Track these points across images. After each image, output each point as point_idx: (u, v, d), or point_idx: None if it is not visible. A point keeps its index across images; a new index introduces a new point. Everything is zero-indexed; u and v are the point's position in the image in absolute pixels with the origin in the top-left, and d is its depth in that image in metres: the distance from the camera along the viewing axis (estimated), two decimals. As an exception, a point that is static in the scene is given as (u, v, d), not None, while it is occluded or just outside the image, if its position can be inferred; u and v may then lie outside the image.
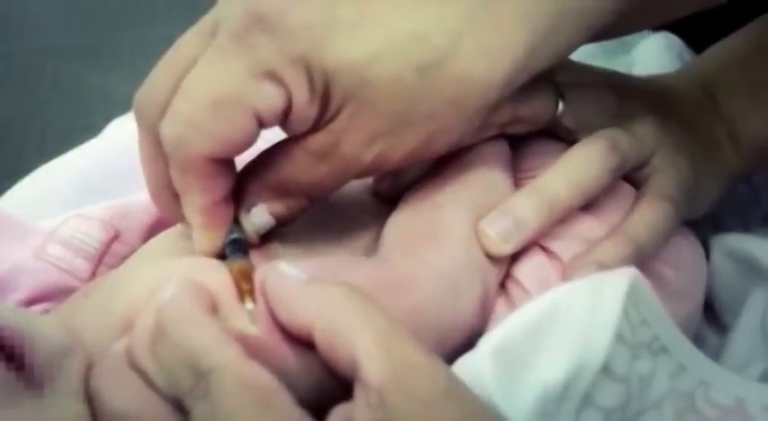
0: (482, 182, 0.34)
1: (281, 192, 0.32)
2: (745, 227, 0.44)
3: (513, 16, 0.29)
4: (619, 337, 0.27)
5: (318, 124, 0.30)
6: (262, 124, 0.29)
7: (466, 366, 0.27)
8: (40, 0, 0.96)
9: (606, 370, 0.27)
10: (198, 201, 0.30)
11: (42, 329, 0.27)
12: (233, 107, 0.28)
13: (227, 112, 0.28)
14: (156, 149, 0.31)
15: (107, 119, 0.55)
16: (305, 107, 0.29)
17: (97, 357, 0.27)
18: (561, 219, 0.33)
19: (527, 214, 0.32)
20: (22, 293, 0.34)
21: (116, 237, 0.37)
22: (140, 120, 0.31)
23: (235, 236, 0.31)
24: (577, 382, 0.27)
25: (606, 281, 0.29)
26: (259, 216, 0.32)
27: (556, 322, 0.27)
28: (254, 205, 0.32)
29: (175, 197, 0.31)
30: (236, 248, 0.31)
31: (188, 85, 0.29)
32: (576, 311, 0.27)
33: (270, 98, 0.29)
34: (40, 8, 0.94)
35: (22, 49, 0.88)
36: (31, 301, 0.34)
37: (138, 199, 0.38)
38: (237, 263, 0.30)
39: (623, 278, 0.28)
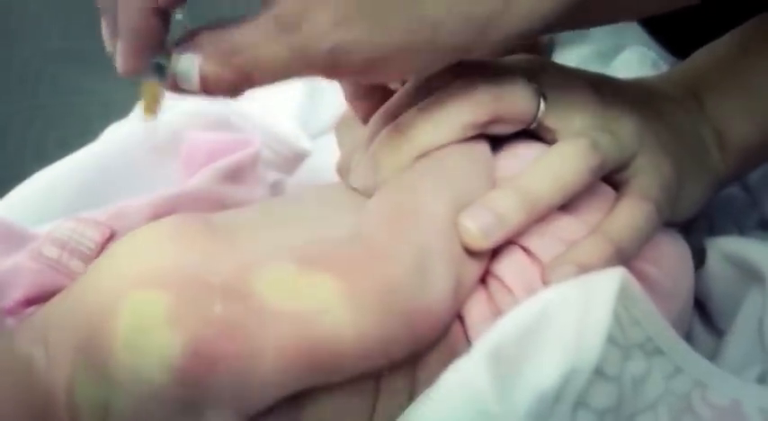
0: (463, 178, 0.34)
1: (226, 54, 0.30)
2: (741, 230, 0.44)
3: None
4: (610, 338, 0.27)
5: None
6: None
7: (460, 370, 0.27)
8: (39, 4, 0.96)
9: (599, 371, 0.27)
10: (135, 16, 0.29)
11: None
12: None
13: None
14: None
15: (105, 124, 0.55)
16: None
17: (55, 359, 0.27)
18: (541, 218, 0.33)
19: (509, 210, 0.32)
20: (18, 294, 0.34)
21: (111, 237, 0.37)
22: None
23: (159, 60, 0.30)
24: (571, 385, 0.27)
25: (596, 282, 0.29)
26: (186, 64, 0.30)
27: (548, 325, 0.27)
28: (189, 51, 0.30)
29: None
30: (158, 72, 0.30)
31: None
32: (567, 314, 0.28)
33: None
34: (38, 12, 0.95)
35: (21, 54, 0.88)
36: (27, 302, 0.34)
37: (134, 201, 0.38)
38: (153, 83, 0.29)
39: (613, 279, 0.28)
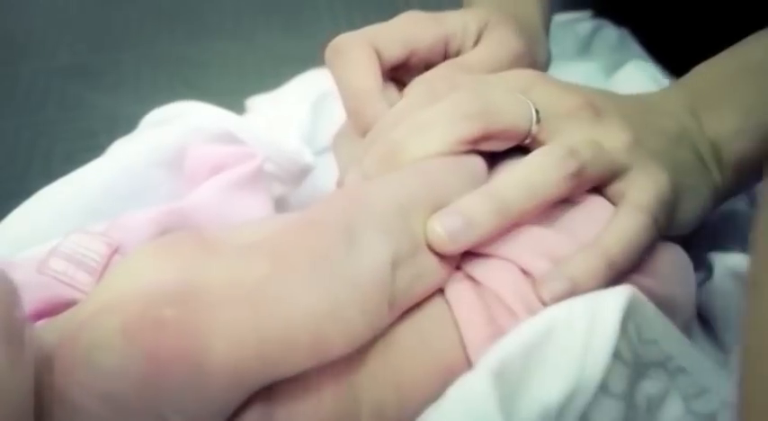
0: (442, 184, 0.34)
1: None
2: (746, 245, 0.44)
3: None
4: (617, 355, 0.27)
5: None
6: None
7: (465, 387, 0.27)
8: (45, 20, 0.96)
9: (603, 388, 0.27)
10: None
11: None
12: None
13: None
14: None
15: (112, 139, 0.55)
16: None
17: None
18: (514, 223, 0.33)
19: (479, 216, 0.32)
20: (26, 308, 0.34)
21: (117, 250, 0.37)
22: None
23: None
24: (575, 403, 0.27)
25: (602, 300, 0.29)
26: None
27: (553, 343, 0.27)
28: None
29: None
30: None
31: None
32: (572, 331, 0.28)
33: None
34: (44, 28, 0.95)
35: (27, 69, 0.89)
36: (35, 315, 0.34)
37: (139, 214, 0.39)
38: None
39: (620, 296, 0.28)
